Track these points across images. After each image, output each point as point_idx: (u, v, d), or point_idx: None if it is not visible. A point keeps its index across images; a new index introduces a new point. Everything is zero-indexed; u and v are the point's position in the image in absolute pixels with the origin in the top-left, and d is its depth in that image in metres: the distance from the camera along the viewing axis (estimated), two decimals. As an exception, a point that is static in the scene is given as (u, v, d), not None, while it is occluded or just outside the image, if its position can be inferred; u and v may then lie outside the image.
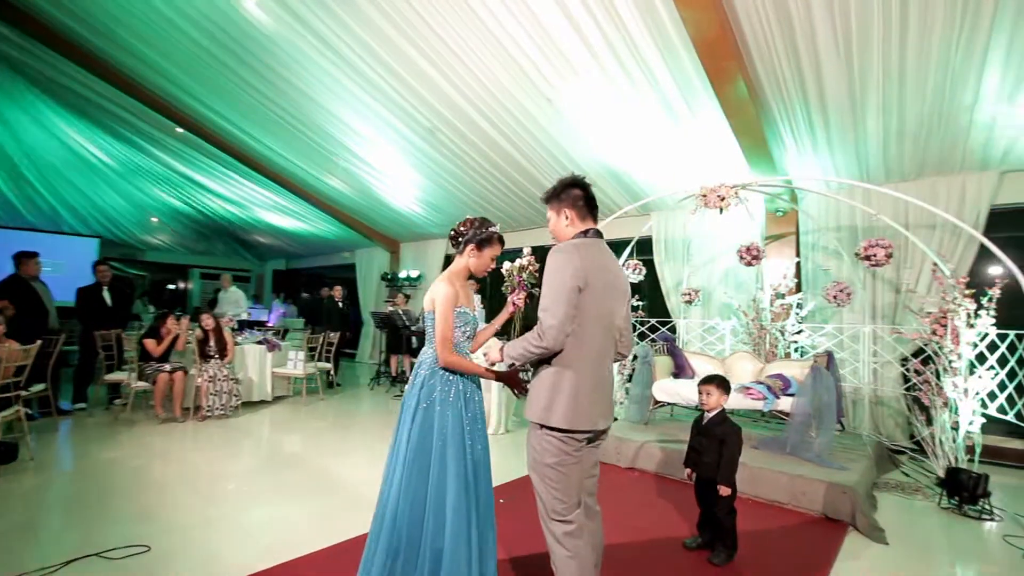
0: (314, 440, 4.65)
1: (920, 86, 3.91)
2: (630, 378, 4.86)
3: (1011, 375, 3.32)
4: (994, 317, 3.41)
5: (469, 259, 2.08)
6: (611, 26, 4.07)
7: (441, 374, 1.99)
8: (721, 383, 2.64)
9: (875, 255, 3.85)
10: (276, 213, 10.72)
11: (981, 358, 3.49)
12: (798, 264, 5.46)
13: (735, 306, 5.55)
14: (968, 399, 3.45)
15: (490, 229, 2.09)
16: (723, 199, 4.13)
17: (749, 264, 4.92)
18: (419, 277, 9.73)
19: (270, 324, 9.31)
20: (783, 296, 5.16)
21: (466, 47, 4.64)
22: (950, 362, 3.56)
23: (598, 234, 1.89)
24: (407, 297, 8.73)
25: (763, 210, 5.72)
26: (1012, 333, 3.34)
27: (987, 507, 3.18)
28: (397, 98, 5.55)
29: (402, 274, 9.86)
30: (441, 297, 1.97)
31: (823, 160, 4.95)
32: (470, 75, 4.96)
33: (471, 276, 2.13)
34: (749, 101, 4.29)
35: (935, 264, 3.87)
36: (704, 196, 4.28)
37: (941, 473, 3.64)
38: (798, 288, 5.27)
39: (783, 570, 2.50)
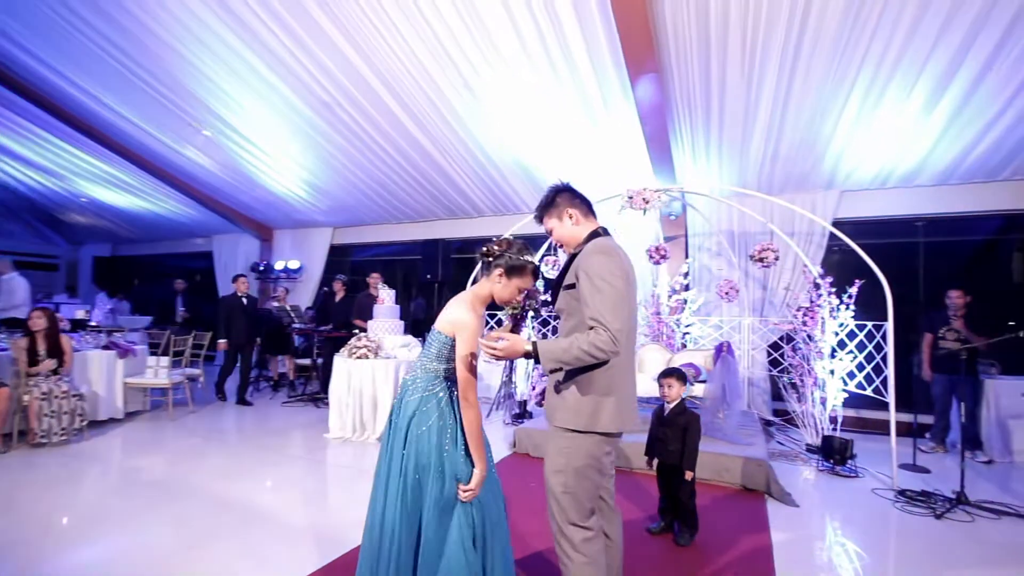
0: (200, 463, 3.93)
1: (798, 114, 4.61)
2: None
3: (868, 358, 4.11)
4: (852, 311, 4.19)
5: (495, 285, 1.84)
6: (544, 14, 4.03)
7: (440, 400, 1.78)
8: (680, 375, 2.82)
9: (766, 257, 4.48)
10: (106, 187, 8.80)
11: (842, 344, 4.26)
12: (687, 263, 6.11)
13: (643, 301, 6.01)
14: (833, 379, 4.20)
15: (525, 258, 1.83)
16: (647, 201, 4.42)
17: (657, 263, 5.36)
18: (299, 269, 8.79)
19: (96, 323, 7.63)
20: (678, 292, 5.73)
21: (384, 15, 4.22)
22: (819, 348, 4.30)
23: (606, 232, 1.89)
24: (287, 291, 7.84)
25: (658, 213, 6.27)
26: (870, 324, 4.13)
27: (854, 467, 3.91)
28: (291, 62, 4.85)
29: (278, 265, 8.82)
30: (465, 329, 1.72)
31: (712, 170, 5.58)
32: (384, 47, 4.53)
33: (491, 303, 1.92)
34: (662, 109, 4.65)
35: (805, 265, 4.62)
36: (631, 198, 4.54)
37: (810, 441, 4.38)
38: (686, 288, 5.90)
39: (733, 539, 2.78)
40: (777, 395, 5.35)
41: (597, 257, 1.69)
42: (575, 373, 1.72)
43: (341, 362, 4.80)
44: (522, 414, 5.45)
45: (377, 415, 4.69)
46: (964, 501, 3.19)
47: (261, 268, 8.94)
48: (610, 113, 5.00)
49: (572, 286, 1.77)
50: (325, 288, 6.85)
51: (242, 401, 6.01)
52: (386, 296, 5.23)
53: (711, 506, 3.24)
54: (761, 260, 4.56)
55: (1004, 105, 4.12)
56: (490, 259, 1.85)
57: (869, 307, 4.30)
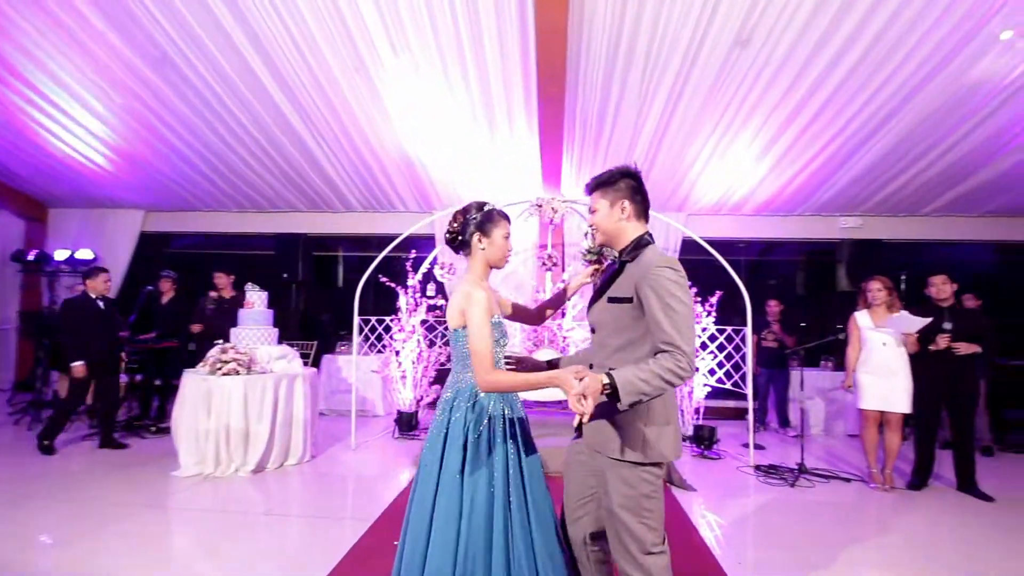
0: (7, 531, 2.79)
1: (671, 146, 5.26)
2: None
3: (728, 357, 4.89)
4: (714, 316, 4.94)
5: (480, 252, 1.74)
6: (465, 16, 3.89)
7: (484, 404, 1.66)
8: None
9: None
10: None
11: (703, 346, 4.99)
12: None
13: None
14: (697, 374, 4.89)
15: (485, 208, 1.76)
16: (556, 211, 4.56)
17: (549, 269, 5.56)
18: (93, 262, 6.86)
19: None
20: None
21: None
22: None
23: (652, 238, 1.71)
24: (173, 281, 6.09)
25: (537, 220, 6.52)
26: (730, 328, 4.91)
27: (718, 450, 4.60)
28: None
29: (59, 255, 6.76)
30: (475, 305, 1.59)
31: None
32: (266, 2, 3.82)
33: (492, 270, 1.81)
34: (561, 126, 4.85)
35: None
36: (540, 207, 4.62)
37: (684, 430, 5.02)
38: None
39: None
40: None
41: (668, 272, 1.51)
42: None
43: (196, 381, 3.89)
44: (411, 426, 5.13)
45: (250, 443, 3.92)
46: (804, 470, 4.01)
47: (30, 258, 6.73)
48: (511, 122, 5.04)
49: (625, 300, 1.58)
50: (149, 287, 5.48)
51: (46, 448, 4.29)
52: (256, 299, 4.41)
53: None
54: None
55: (809, 159, 5.32)
56: (460, 235, 1.76)
57: (725, 312, 5.12)
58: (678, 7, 3.74)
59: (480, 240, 1.72)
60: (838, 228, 6.30)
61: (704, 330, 4.90)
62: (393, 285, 5.23)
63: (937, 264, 4.02)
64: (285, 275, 6.61)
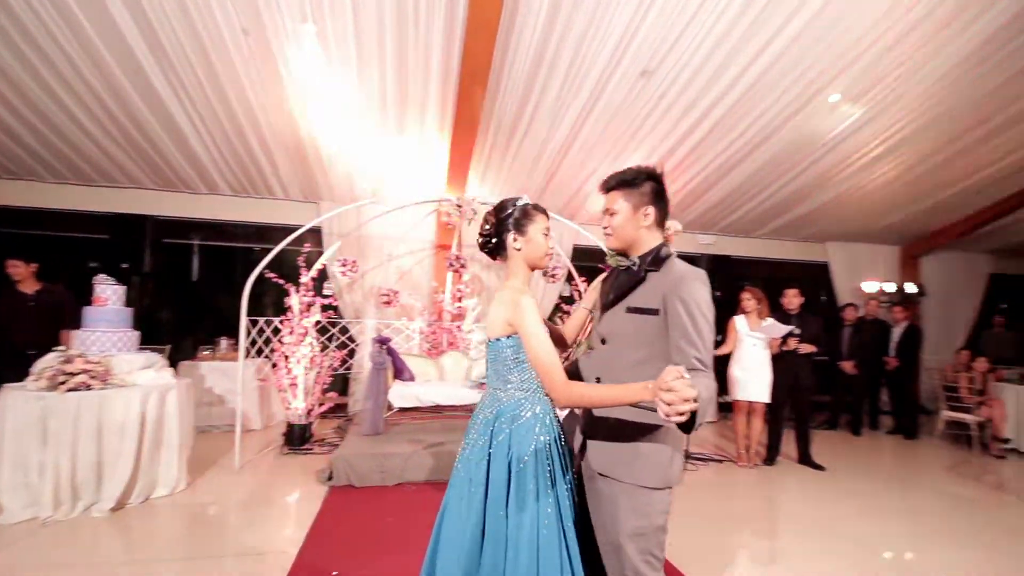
0: None
1: (575, 157, 5.57)
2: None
3: None
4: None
5: (518, 253, 1.57)
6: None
7: (532, 424, 1.49)
8: None
9: (557, 273, 5.22)
10: None
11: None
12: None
13: (419, 307, 5.93)
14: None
15: (519, 203, 1.59)
16: (476, 212, 4.48)
17: (457, 271, 5.44)
18: None
19: None
20: (459, 300, 5.97)
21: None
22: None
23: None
24: None
25: (434, 218, 6.35)
26: None
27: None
28: None
29: None
30: (527, 312, 1.44)
31: (496, 188, 6.06)
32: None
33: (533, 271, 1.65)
34: (475, 125, 4.83)
35: (575, 281, 5.62)
36: (459, 207, 4.50)
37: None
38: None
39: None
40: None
41: (702, 288, 1.44)
42: (647, 423, 1.48)
43: (24, 401, 3.00)
44: (304, 439, 4.61)
45: (106, 474, 3.13)
46: (688, 456, 4.57)
47: None
48: (424, 116, 4.85)
49: (650, 311, 1.47)
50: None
51: None
52: (111, 295, 3.54)
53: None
54: (553, 276, 5.30)
55: (684, 184, 6.08)
56: (492, 240, 1.61)
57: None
58: (601, 31, 3.99)
59: (516, 240, 1.56)
60: (697, 243, 7.30)
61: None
62: (283, 282, 4.64)
63: (768, 277, 4.94)
64: (126, 264, 5.42)
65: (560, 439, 1.57)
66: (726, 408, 5.96)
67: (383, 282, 5.98)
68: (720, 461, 4.68)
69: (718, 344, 4.77)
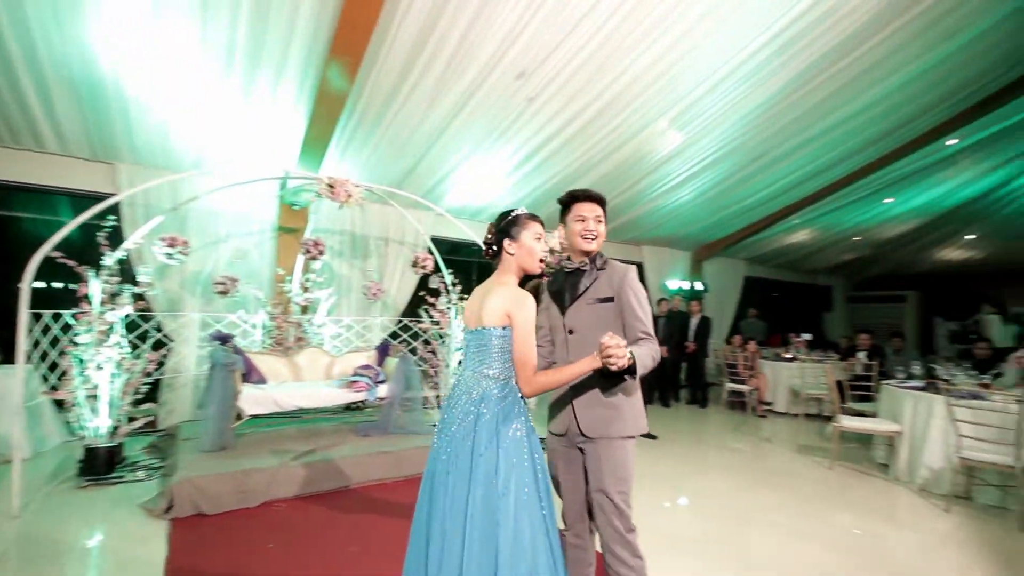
0: None
1: (439, 145, 5.45)
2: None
3: None
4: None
5: (512, 259, 1.74)
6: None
7: (506, 405, 1.64)
8: None
9: (426, 264, 5.04)
10: None
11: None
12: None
13: (262, 298, 5.13)
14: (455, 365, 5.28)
15: (512, 214, 1.77)
16: (350, 196, 4.04)
17: (314, 259, 4.83)
18: None
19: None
20: (307, 290, 5.36)
21: None
22: (451, 343, 5.28)
23: None
24: None
25: (277, 199, 5.57)
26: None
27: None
28: None
29: None
30: (528, 309, 1.65)
31: (356, 170, 5.55)
32: None
33: (529, 277, 1.79)
34: (344, 98, 4.40)
35: (443, 276, 5.51)
36: (332, 188, 3.99)
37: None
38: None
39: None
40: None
41: (636, 277, 1.91)
42: (618, 382, 1.79)
43: None
44: (110, 467, 3.61)
45: None
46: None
47: None
48: (279, 82, 4.23)
49: (609, 299, 1.85)
50: None
51: None
52: None
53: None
54: (424, 267, 5.10)
55: (539, 184, 6.46)
56: (492, 248, 1.79)
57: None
58: (489, 27, 4.03)
59: (509, 245, 1.73)
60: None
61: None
62: (73, 265, 3.55)
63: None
64: None
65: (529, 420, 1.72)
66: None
67: (212, 269, 5.03)
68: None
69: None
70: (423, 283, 6.08)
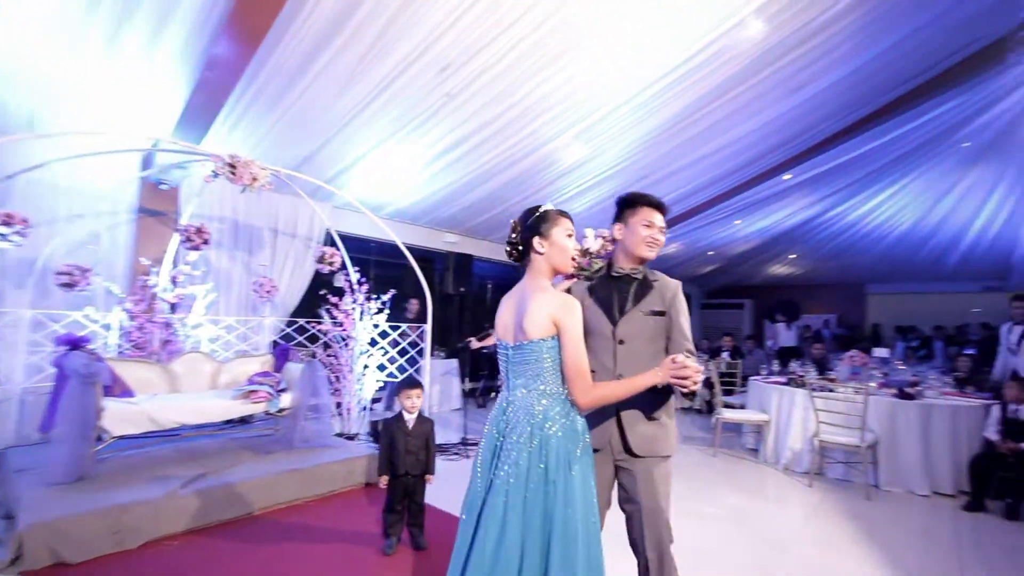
0: None
1: (353, 133, 5.06)
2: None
3: (402, 352, 5.09)
4: (387, 313, 5.08)
5: (542, 258, 1.63)
6: None
7: (570, 422, 1.56)
8: (420, 384, 2.83)
9: (333, 261, 4.62)
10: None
11: (377, 342, 5.05)
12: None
13: (117, 293, 4.23)
14: (369, 371, 4.93)
15: (541, 210, 1.67)
16: (256, 179, 3.50)
17: (197, 247, 4.10)
18: None
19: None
20: (177, 285, 4.57)
21: None
22: (352, 346, 4.90)
23: None
24: None
25: (138, 176, 4.66)
26: (404, 325, 5.13)
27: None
28: None
29: None
30: (575, 314, 1.55)
31: (248, 148, 4.84)
32: None
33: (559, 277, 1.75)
34: (241, 67, 3.87)
35: (348, 274, 5.08)
36: (232, 167, 3.41)
37: (342, 430, 4.86)
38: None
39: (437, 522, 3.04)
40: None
41: (682, 293, 1.87)
42: (665, 400, 1.77)
43: None
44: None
45: None
46: (467, 442, 4.81)
47: None
48: (157, 40, 3.57)
49: (660, 313, 1.80)
50: None
51: None
52: None
53: (369, 509, 3.25)
54: (330, 264, 4.64)
55: (446, 184, 6.33)
56: (519, 247, 1.69)
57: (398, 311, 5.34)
58: (416, 17, 3.85)
59: (540, 244, 1.62)
60: (443, 241, 7.69)
61: (376, 326, 4.99)
62: None
63: (497, 277, 5.70)
64: None
65: (578, 447, 1.60)
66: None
67: (50, 256, 4.03)
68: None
69: (487, 335, 5.20)
70: (318, 281, 5.57)
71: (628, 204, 1.87)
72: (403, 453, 2.70)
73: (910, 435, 4.00)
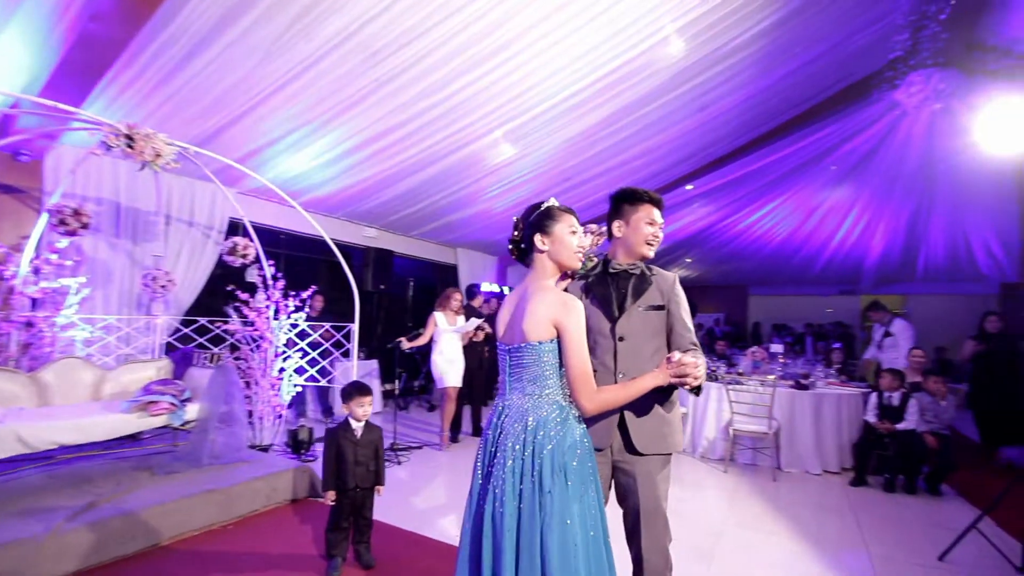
0: None
1: (266, 112, 4.56)
2: None
3: (325, 354, 4.66)
4: (306, 313, 4.65)
5: (548, 254, 1.57)
6: None
7: (567, 429, 1.48)
8: (371, 390, 2.61)
9: (247, 253, 4.11)
10: None
11: (296, 342, 4.60)
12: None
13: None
14: (286, 376, 4.48)
15: (544, 206, 1.62)
16: (159, 155, 2.97)
17: (72, 233, 3.40)
18: None
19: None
20: (41, 277, 3.81)
21: None
22: (266, 347, 4.43)
23: None
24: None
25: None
26: (327, 325, 4.70)
27: (314, 452, 4.38)
28: None
29: None
30: (577, 315, 1.49)
31: (135, 113, 4.14)
32: None
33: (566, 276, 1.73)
34: (142, 23, 3.34)
35: (262, 268, 4.57)
36: (130, 139, 2.85)
37: (255, 442, 4.39)
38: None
39: (386, 539, 2.82)
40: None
41: (680, 285, 1.85)
42: (669, 395, 1.72)
43: None
44: None
45: None
46: (396, 447, 4.57)
47: None
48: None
49: (660, 308, 1.77)
50: None
51: None
52: None
53: (299, 526, 2.94)
54: (243, 256, 4.11)
55: (369, 176, 5.98)
56: (522, 244, 1.63)
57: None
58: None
59: (544, 241, 1.56)
60: (362, 235, 7.26)
61: (294, 326, 4.56)
62: None
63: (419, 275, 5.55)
64: None
65: (588, 459, 1.55)
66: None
67: None
68: (420, 447, 4.91)
69: (417, 336, 5.00)
70: (220, 276, 4.97)
71: (628, 200, 1.81)
72: (352, 464, 2.47)
73: (805, 421, 4.52)
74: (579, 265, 1.64)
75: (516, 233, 1.63)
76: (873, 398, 4.29)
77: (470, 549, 1.48)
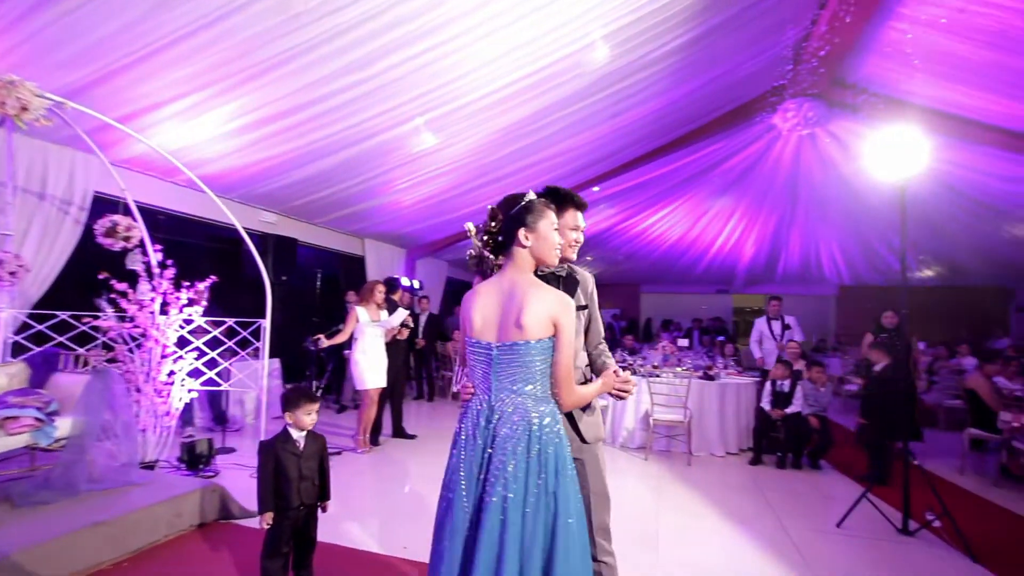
0: None
1: (158, 64, 3.87)
2: None
3: (227, 354, 4.02)
4: (202, 308, 4.02)
5: (527, 251, 1.53)
6: None
7: (560, 427, 1.51)
8: (317, 396, 2.29)
9: (130, 235, 3.40)
10: None
11: (185, 341, 3.95)
12: None
13: None
14: (177, 380, 3.85)
15: (525, 199, 1.56)
16: (26, 109, 2.30)
17: None
18: None
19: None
20: None
21: None
22: (150, 347, 3.77)
23: None
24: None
25: None
26: (230, 320, 4.07)
27: (215, 465, 3.79)
28: None
29: None
30: (571, 313, 1.50)
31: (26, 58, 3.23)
32: None
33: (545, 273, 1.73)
34: None
35: (147, 254, 3.86)
36: None
37: (146, 455, 3.71)
38: None
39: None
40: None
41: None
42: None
43: None
44: None
45: None
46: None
47: None
48: None
49: (583, 308, 1.85)
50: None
51: None
52: None
53: (214, 557, 2.52)
54: (125, 239, 3.39)
55: (276, 155, 5.37)
56: (502, 235, 1.56)
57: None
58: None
59: (527, 236, 1.51)
60: (258, 220, 6.51)
61: (188, 322, 3.92)
62: None
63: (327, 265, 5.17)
64: None
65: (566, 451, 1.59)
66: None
67: None
68: (339, 452, 4.51)
69: (336, 332, 4.61)
70: (85, 259, 4.11)
71: (553, 204, 1.76)
72: (296, 480, 2.16)
73: (711, 409, 4.94)
74: (556, 262, 1.64)
75: (493, 224, 1.55)
76: (767, 386, 4.83)
77: (459, 570, 1.39)
